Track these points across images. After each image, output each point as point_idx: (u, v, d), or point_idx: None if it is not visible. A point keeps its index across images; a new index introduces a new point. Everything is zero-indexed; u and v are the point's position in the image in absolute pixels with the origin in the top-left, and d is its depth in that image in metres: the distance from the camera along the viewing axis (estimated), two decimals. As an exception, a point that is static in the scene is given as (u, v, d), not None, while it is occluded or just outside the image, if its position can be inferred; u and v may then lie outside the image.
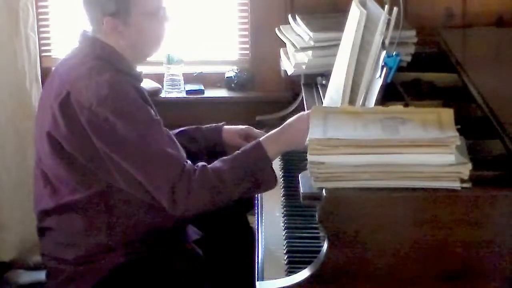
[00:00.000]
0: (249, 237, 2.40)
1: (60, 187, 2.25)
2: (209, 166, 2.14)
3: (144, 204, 2.23)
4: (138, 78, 2.30)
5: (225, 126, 2.55)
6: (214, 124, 2.56)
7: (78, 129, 2.15)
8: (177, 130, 2.50)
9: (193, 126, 2.55)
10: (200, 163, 2.15)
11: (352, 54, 2.26)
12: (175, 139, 2.24)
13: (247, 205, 2.51)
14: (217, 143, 2.49)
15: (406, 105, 2.19)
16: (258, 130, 2.54)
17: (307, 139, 1.82)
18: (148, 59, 2.38)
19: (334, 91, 2.37)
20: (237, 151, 2.19)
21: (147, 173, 2.13)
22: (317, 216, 1.82)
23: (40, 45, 3.23)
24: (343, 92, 2.26)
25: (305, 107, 2.56)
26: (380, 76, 2.10)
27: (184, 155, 2.19)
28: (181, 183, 2.10)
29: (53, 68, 3.20)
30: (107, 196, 2.21)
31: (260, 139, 2.20)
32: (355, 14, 2.33)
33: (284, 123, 2.21)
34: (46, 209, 2.28)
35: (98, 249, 2.23)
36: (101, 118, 2.12)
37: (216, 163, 2.16)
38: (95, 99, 2.13)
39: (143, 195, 2.18)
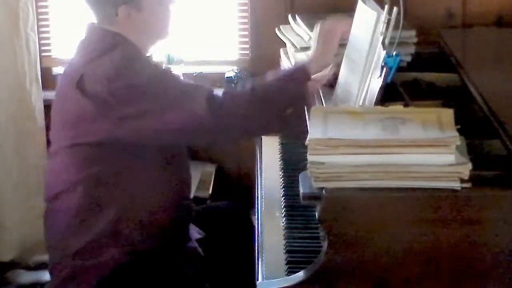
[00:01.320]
0: (250, 237, 2.40)
1: (77, 169, 2.25)
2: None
3: (152, 198, 2.25)
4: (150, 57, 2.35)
5: None
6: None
7: (101, 103, 2.16)
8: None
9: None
10: None
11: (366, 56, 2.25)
12: None
13: (248, 204, 2.51)
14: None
15: (406, 105, 2.19)
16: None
17: (307, 139, 1.82)
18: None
19: (342, 91, 2.36)
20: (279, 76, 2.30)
21: (182, 102, 2.17)
22: (317, 216, 1.82)
23: (40, 45, 3.23)
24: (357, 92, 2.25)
25: (305, 108, 2.55)
26: (380, 76, 2.10)
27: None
28: (217, 95, 2.20)
29: (54, 68, 3.25)
30: (117, 183, 2.23)
31: (304, 64, 2.30)
32: (365, 14, 2.30)
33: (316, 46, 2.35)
34: (60, 190, 2.29)
35: (102, 239, 2.23)
36: (122, 85, 2.15)
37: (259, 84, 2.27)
38: (111, 70, 2.17)
39: (180, 137, 2.23)
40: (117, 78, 2.16)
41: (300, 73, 2.29)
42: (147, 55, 2.33)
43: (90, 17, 2.31)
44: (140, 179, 2.24)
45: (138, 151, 2.23)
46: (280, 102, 2.25)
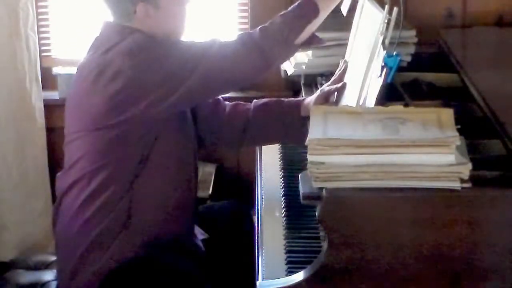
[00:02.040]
0: (252, 238, 2.40)
1: (96, 157, 2.26)
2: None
3: (165, 189, 2.28)
4: None
5: (306, 100, 2.48)
6: (294, 100, 2.52)
7: (127, 82, 2.17)
8: (257, 103, 2.51)
9: (274, 99, 2.52)
10: None
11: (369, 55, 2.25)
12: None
13: (248, 204, 2.52)
14: (297, 120, 2.46)
15: (406, 105, 2.19)
16: (333, 83, 2.46)
17: (307, 139, 1.82)
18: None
19: (349, 91, 2.36)
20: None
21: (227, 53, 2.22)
22: (317, 216, 1.82)
23: (40, 45, 3.23)
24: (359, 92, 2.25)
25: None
26: (380, 76, 2.10)
27: None
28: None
29: (54, 68, 3.24)
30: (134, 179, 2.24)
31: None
32: (372, 15, 2.30)
33: None
34: (74, 179, 2.29)
35: (111, 232, 2.24)
36: (147, 57, 2.17)
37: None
38: (134, 46, 2.19)
39: (225, 86, 2.28)
40: (141, 51, 2.17)
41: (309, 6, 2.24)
42: None
43: (106, 15, 2.31)
44: (156, 169, 2.25)
45: (156, 141, 2.24)
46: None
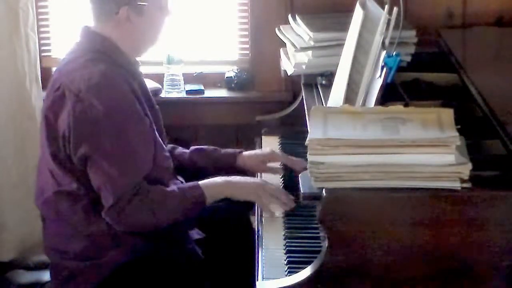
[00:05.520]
0: (249, 237, 2.40)
1: (63, 179, 2.27)
2: (160, 192, 2.22)
3: None
4: (135, 74, 2.32)
5: (245, 153, 2.54)
6: (232, 150, 2.57)
7: (68, 119, 2.18)
8: (195, 147, 2.56)
9: (212, 147, 2.57)
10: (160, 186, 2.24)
11: (352, 55, 2.26)
12: (158, 143, 2.29)
13: (248, 205, 2.51)
14: (231, 167, 2.51)
15: (406, 105, 2.19)
16: (281, 154, 2.53)
17: (307, 139, 1.82)
18: (148, 59, 2.38)
19: (336, 91, 2.37)
20: (182, 186, 2.28)
21: (107, 171, 2.16)
22: (317, 216, 1.82)
23: (40, 45, 3.23)
24: (344, 92, 2.26)
25: (305, 107, 2.55)
26: (380, 76, 2.10)
27: (150, 166, 2.22)
28: (130, 197, 2.16)
29: (54, 68, 3.24)
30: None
31: (201, 184, 2.27)
32: (357, 15, 2.32)
33: (232, 178, 2.33)
34: (50, 196, 2.30)
35: (101, 241, 2.24)
36: (86, 104, 2.16)
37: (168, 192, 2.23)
38: (84, 86, 2.17)
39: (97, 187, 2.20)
40: (87, 95, 2.15)
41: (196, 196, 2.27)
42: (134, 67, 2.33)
43: (88, 17, 2.31)
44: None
45: None
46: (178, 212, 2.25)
